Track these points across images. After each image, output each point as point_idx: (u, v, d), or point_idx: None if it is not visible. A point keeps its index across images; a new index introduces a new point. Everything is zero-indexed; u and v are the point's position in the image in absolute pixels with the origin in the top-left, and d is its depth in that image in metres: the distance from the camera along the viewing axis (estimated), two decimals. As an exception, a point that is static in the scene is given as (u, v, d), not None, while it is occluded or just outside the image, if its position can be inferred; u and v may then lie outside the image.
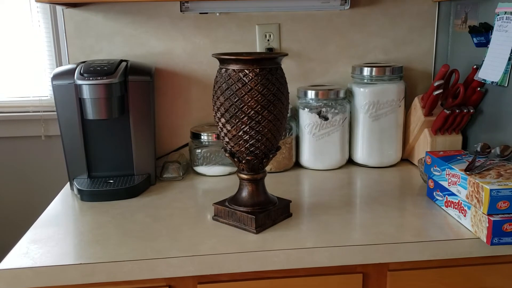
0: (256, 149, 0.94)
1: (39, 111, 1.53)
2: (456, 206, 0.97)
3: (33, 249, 0.89)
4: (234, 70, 0.90)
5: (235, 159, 0.96)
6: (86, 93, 1.11)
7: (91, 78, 1.10)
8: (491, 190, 0.85)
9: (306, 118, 1.30)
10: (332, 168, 1.33)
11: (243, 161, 0.95)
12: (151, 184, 1.22)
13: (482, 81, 1.16)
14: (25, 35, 1.48)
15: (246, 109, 0.90)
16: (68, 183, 1.22)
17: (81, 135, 1.17)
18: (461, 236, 0.91)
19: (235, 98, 0.90)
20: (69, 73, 1.14)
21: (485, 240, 0.87)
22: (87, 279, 0.84)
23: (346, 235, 0.92)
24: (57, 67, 1.36)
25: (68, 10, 1.32)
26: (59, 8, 1.34)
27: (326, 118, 1.28)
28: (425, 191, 1.13)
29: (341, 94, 1.30)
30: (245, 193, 0.99)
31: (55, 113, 1.17)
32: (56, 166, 1.53)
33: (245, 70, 0.89)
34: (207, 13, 1.34)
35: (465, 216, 0.94)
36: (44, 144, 1.55)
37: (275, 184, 1.21)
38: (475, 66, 1.20)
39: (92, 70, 1.12)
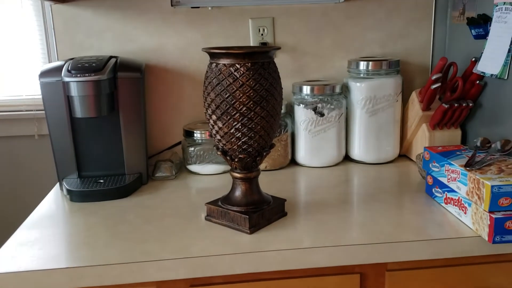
0: (249, 147, 0.91)
1: (32, 110, 1.50)
2: (456, 203, 0.94)
3: (19, 252, 0.86)
4: (224, 64, 0.87)
5: (228, 158, 0.93)
6: (74, 91, 1.08)
7: (78, 75, 1.07)
8: (492, 186, 0.82)
9: (302, 114, 1.27)
10: (329, 165, 1.31)
11: (236, 160, 0.92)
12: (142, 183, 1.19)
13: (481, 74, 1.14)
14: (17, 33, 1.45)
15: (238, 106, 0.87)
16: (58, 183, 1.19)
17: (70, 134, 1.14)
18: (461, 234, 0.88)
19: (226, 94, 0.87)
20: (57, 70, 1.11)
21: (486, 238, 0.84)
22: (75, 284, 0.81)
23: (343, 234, 0.89)
24: (47, 65, 1.33)
25: (56, 6, 1.29)
26: (48, 5, 1.31)
27: (322, 114, 1.26)
28: (423, 188, 1.10)
29: (337, 89, 1.27)
30: (238, 193, 0.96)
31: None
32: (50, 165, 1.50)
33: (236, 65, 0.86)
34: (198, 7, 1.31)
35: (465, 213, 0.91)
36: (37, 143, 1.53)
37: (270, 182, 1.18)
38: (473, 59, 1.17)
39: (80, 67, 1.09)
